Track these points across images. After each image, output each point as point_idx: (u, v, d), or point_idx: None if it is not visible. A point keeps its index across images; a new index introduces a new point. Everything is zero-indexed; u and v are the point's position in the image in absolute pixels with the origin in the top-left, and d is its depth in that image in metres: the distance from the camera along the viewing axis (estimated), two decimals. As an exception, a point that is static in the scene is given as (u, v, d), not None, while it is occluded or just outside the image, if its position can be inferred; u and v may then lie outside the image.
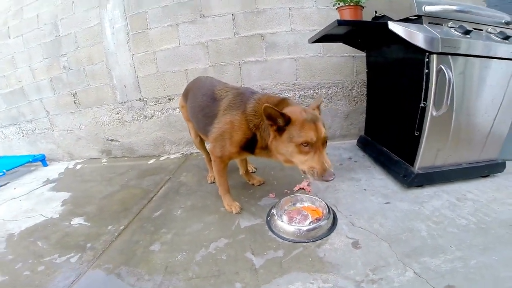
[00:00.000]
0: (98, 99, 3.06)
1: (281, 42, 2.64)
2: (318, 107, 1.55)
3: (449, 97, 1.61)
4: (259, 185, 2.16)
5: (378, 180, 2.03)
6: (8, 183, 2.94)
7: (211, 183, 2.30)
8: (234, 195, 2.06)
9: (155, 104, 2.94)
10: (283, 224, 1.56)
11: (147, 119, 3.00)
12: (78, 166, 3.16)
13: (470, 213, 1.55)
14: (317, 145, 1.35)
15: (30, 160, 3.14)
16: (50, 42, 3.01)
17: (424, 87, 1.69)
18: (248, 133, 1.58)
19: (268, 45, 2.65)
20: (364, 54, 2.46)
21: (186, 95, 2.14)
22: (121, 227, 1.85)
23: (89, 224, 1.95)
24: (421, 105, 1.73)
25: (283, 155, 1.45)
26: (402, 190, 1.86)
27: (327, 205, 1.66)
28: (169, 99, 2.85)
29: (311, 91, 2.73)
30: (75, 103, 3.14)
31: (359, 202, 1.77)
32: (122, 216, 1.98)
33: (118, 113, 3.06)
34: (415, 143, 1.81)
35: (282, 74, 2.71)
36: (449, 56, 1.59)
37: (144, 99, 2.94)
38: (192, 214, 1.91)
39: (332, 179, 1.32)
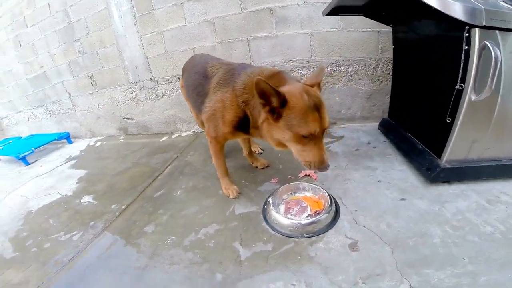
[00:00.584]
0: (113, 80, 3.05)
1: (292, 16, 2.34)
2: (319, 85, 1.28)
3: (495, 79, 1.27)
4: (263, 168, 1.99)
5: (398, 172, 1.73)
6: (36, 160, 3.10)
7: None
8: (235, 177, 1.94)
9: (166, 84, 2.85)
10: (277, 216, 1.40)
11: (158, 98, 2.93)
12: (98, 143, 3.24)
13: (499, 219, 1.24)
14: (318, 135, 1.16)
15: (56, 138, 3.27)
16: (63, 28, 3.02)
17: (461, 66, 1.36)
18: (240, 111, 1.40)
19: (278, 19, 2.37)
20: (390, 29, 2.10)
21: (183, 74, 2.01)
22: (123, 206, 1.84)
23: (96, 202, 1.98)
24: (457, 87, 1.40)
25: (276, 140, 1.26)
26: (423, 186, 1.56)
27: (330, 197, 1.46)
28: (179, 78, 2.72)
29: (328, 69, 2.42)
30: (92, 84, 3.17)
31: (370, 196, 1.53)
32: (127, 194, 1.99)
33: (131, 93, 3.03)
34: (445, 131, 1.49)
35: (294, 50, 2.43)
36: (497, 31, 1.24)
37: (155, 78, 2.85)
38: (191, 195, 1.83)
39: (327, 171, 1.23)
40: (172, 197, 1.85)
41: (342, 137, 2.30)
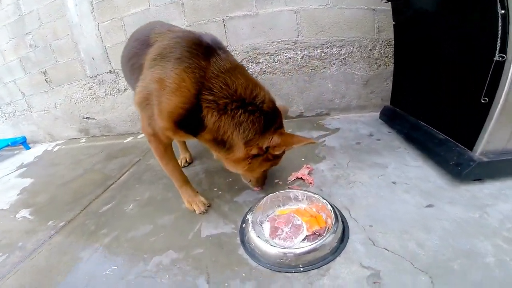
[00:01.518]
0: (68, 75, 2.50)
1: (275, -9, 1.88)
2: None
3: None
4: (242, 171, 1.51)
5: (414, 168, 1.27)
6: (-16, 168, 2.51)
7: (182, 167, 1.66)
8: (204, 185, 1.44)
9: (129, 76, 2.32)
10: (260, 241, 0.91)
11: (120, 92, 2.40)
12: (56, 148, 2.65)
13: None
14: None
15: (9, 143, 2.69)
16: (14, 21, 2.49)
17: (500, 34, 0.95)
18: (190, 101, 0.91)
19: (259, -5, 1.90)
20: (387, 6, 1.68)
21: None
22: (61, 224, 1.37)
23: (32, 217, 1.52)
24: (496, 58, 0.97)
25: (252, 170, 1.11)
26: (450, 186, 1.12)
27: (333, 209, 0.98)
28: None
29: (318, 51, 1.96)
30: (46, 81, 2.61)
31: (387, 204, 1.06)
32: (70, 208, 1.50)
33: (90, 89, 2.48)
34: (480, 115, 1.06)
35: (278, 30, 1.96)
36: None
37: (115, 70, 2.32)
38: (145, 210, 1.32)
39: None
40: (121, 213, 1.34)
41: (337, 129, 1.84)
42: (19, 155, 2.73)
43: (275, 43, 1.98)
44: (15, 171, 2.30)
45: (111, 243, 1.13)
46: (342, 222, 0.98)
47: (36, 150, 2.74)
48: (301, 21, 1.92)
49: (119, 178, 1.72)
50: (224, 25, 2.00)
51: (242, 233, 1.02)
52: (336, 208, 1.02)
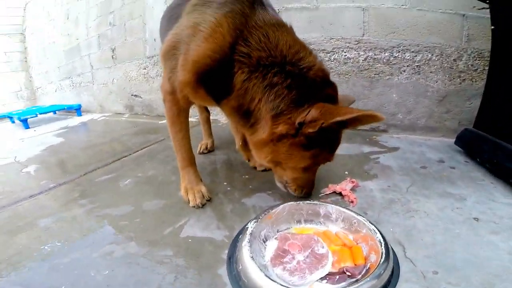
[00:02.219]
0: (131, 54, 2.55)
1: (341, -14, 1.58)
2: None
3: None
4: (264, 170, 1.13)
5: (505, 206, 0.80)
6: (39, 126, 2.64)
7: (200, 153, 1.39)
8: (216, 176, 1.14)
9: (179, 59, 2.24)
10: (250, 265, 0.54)
11: (168, 75, 2.33)
12: (101, 118, 2.69)
13: None
14: None
15: (65, 107, 2.85)
16: (104, 1, 2.69)
17: None
18: (221, 51, 0.69)
19: (321, -12, 1.62)
20: (481, 13, 1.24)
21: None
22: (52, 185, 1.19)
23: (34, 174, 1.38)
24: None
25: (278, 161, 0.77)
26: None
27: (386, 242, 0.58)
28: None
29: (386, 54, 1.56)
30: (112, 58, 2.72)
31: (462, 245, 0.65)
32: (72, 171, 1.34)
33: (145, 68, 2.47)
34: None
35: (339, 26, 1.63)
36: None
37: (170, 52, 2.28)
38: (138, 189, 1.07)
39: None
40: (114, 186, 1.11)
41: (396, 148, 1.36)
42: (69, 119, 2.84)
43: (334, 40, 1.64)
44: (56, 131, 2.35)
45: (79, 216, 0.90)
46: (395, 260, 0.57)
47: (85, 118, 2.82)
48: (369, 19, 1.55)
49: (135, 152, 1.53)
50: (279, 14, 1.76)
51: (234, 246, 0.65)
52: (386, 240, 0.60)
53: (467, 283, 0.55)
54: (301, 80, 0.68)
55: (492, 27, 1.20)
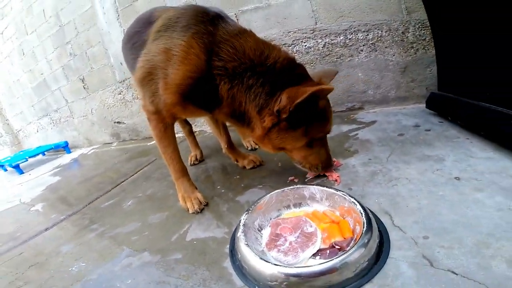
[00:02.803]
0: (102, 81, 2.59)
1: (284, -21, 1.68)
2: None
3: None
4: (253, 168, 1.24)
5: (484, 161, 0.87)
6: (32, 169, 2.68)
7: (191, 165, 1.48)
8: (208, 182, 1.23)
9: (153, 78, 2.28)
10: (247, 252, 0.63)
11: (144, 96, 2.38)
12: (91, 152, 2.72)
13: None
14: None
15: (53, 147, 2.87)
16: (56, 32, 2.69)
17: None
18: (199, 69, 0.79)
19: (268, -14, 1.72)
20: None
21: None
22: (62, 217, 1.30)
23: (42, 210, 1.51)
24: None
25: (280, 147, 0.88)
26: None
27: (365, 212, 0.67)
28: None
29: (341, 37, 1.67)
30: (84, 88, 2.74)
31: (449, 206, 0.70)
32: (76, 203, 1.44)
33: (120, 93, 2.52)
34: None
35: (293, 19, 1.73)
36: None
37: (141, 73, 2.32)
38: (141, 207, 1.16)
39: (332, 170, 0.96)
40: (118, 209, 1.20)
41: (374, 122, 1.47)
42: (60, 158, 2.87)
43: (292, 32, 1.74)
44: (51, 171, 2.39)
45: (93, 238, 0.99)
46: (379, 231, 0.66)
47: (74, 154, 2.86)
48: (317, 7, 1.65)
49: (131, 176, 1.60)
50: (237, 19, 1.84)
51: (233, 239, 0.75)
52: (370, 211, 0.70)
53: (460, 245, 0.57)
54: (270, 75, 0.78)
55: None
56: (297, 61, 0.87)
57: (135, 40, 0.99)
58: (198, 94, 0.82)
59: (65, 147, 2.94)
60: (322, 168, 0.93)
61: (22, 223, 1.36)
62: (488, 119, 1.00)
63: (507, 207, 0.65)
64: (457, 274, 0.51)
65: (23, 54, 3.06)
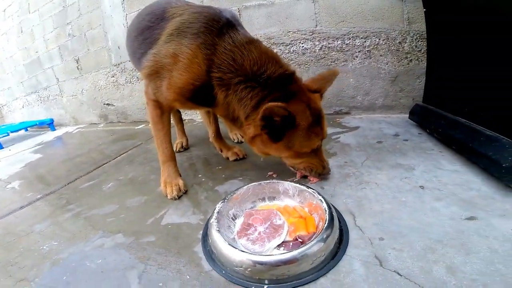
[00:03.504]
0: (97, 63, 2.55)
1: (292, -21, 1.70)
2: (322, 93, 0.96)
3: None
4: (236, 160, 1.26)
5: (450, 173, 0.93)
6: (13, 144, 2.60)
7: (176, 152, 1.47)
8: (190, 170, 1.24)
9: (148, 64, 2.27)
10: (218, 238, 0.65)
11: (139, 81, 2.35)
12: (76, 131, 2.68)
13: None
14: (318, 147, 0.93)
15: (37, 123, 2.80)
16: (58, 12, 2.64)
17: None
18: (201, 79, 0.87)
19: (274, -16, 1.74)
20: None
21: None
22: (39, 196, 1.26)
23: (19, 188, 1.45)
24: None
25: (268, 153, 0.94)
26: (502, 195, 0.77)
27: (329, 209, 0.70)
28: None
29: (339, 42, 1.71)
30: (78, 68, 2.70)
31: (408, 212, 0.75)
32: (55, 182, 1.40)
33: (113, 76, 2.49)
34: None
35: (294, 19, 1.75)
36: None
37: (136, 57, 2.30)
38: (120, 190, 1.16)
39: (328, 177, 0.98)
40: (97, 190, 1.19)
41: (357, 127, 1.52)
42: (43, 135, 2.81)
43: (291, 32, 1.76)
44: (32, 148, 2.33)
45: (69, 219, 0.98)
46: (340, 229, 0.69)
47: (59, 132, 2.80)
48: (320, 10, 1.68)
49: (114, 158, 1.59)
50: (240, 14, 1.85)
51: (206, 226, 0.77)
52: (335, 209, 0.73)
53: (410, 248, 0.62)
54: (261, 89, 0.84)
55: (424, 9, 1.37)
56: (295, 74, 0.90)
57: (146, 36, 1.00)
58: (197, 96, 0.90)
59: (49, 124, 2.87)
60: (319, 175, 0.95)
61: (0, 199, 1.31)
62: (460, 133, 1.05)
63: (459, 217, 0.70)
64: (401, 275, 0.55)
65: (21, 32, 2.99)
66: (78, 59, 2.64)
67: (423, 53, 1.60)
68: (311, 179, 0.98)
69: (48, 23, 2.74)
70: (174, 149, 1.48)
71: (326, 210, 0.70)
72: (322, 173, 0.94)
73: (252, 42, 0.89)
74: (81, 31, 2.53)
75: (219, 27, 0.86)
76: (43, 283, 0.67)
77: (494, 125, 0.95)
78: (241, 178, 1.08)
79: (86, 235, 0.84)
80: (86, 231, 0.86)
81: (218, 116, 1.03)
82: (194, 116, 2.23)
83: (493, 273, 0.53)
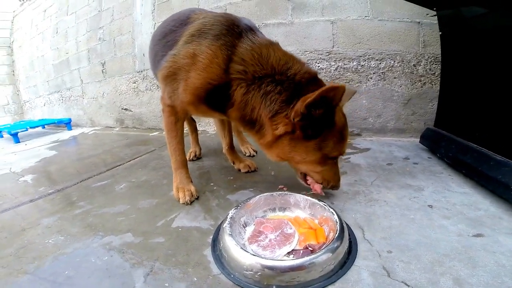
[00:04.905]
0: (121, 68, 2.69)
1: (312, 2, 1.79)
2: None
3: None
4: (247, 172, 1.28)
5: (458, 194, 0.94)
6: (30, 140, 2.71)
7: (189, 160, 1.52)
8: (203, 179, 1.26)
9: (168, 73, 2.38)
10: (229, 242, 0.66)
11: (158, 89, 2.46)
12: (92, 132, 2.78)
13: None
14: None
15: (55, 122, 2.93)
16: (93, 16, 2.85)
17: None
18: (219, 78, 0.85)
19: (295, 5, 1.84)
20: (434, 20, 1.45)
21: None
22: (50, 191, 1.28)
23: (31, 182, 1.48)
24: None
25: (288, 157, 0.88)
26: (510, 215, 0.80)
27: (341, 222, 0.71)
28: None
29: (354, 63, 1.76)
30: (102, 72, 2.85)
31: (416, 228, 0.76)
32: (68, 179, 1.43)
33: (134, 82, 2.61)
34: None
35: (312, 39, 1.83)
36: None
37: (158, 66, 2.43)
38: (133, 191, 1.18)
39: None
40: (110, 190, 1.22)
41: (367, 149, 1.53)
42: (59, 133, 2.92)
43: (308, 52, 1.84)
44: (48, 144, 2.43)
45: (78, 215, 1.00)
46: (350, 241, 0.70)
47: (75, 132, 2.91)
48: (337, 31, 1.76)
49: (127, 162, 1.63)
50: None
51: (217, 231, 0.78)
52: (345, 222, 0.74)
53: (418, 261, 0.63)
54: (289, 84, 0.81)
55: (440, 32, 1.41)
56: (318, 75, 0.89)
57: (168, 39, 1.04)
58: (213, 97, 0.88)
59: (67, 124, 3.00)
60: (331, 187, 0.92)
61: (7, 191, 1.32)
62: (470, 158, 1.06)
63: (467, 234, 0.72)
64: (408, 286, 0.56)
65: (57, 32, 3.22)
66: (104, 62, 2.80)
67: (436, 76, 1.64)
68: (316, 188, 0.94)
69: (82, 26, 2.94)
70: (187, 157, 1.53)
71: (337, 222, 0.71)
72: (338, 185, 0.92)
73: (274, 44, 0.89)
74: (111, 36, 2.71)
75: (240, 31, 0.87)
76: (43, 276, 0.67)
77: (503, 149, 0.96)
78: (252, 189, 1.09)
79: (94, 232, 0.86)
80: (94, 228, 0.88)
81: (233, 121, 0.97)
82: (208, 128, 2.29)
83: (500, 286, 0.54)
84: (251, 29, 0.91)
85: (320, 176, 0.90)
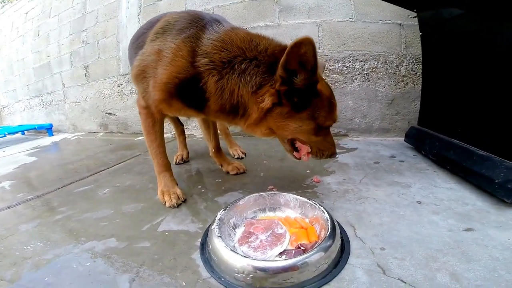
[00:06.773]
0: (105, 71, 2.61)
1: (298, 5, 1.83)
2: None
3: None
4: (236, 174, 1.26)
5: (445, 190, 0.97)
6: (8, 146, 2.56)
7: (176, 163, 1.48)
8: (190, 182, 1.23)
9: (154, 76, 2.34)
10: (219, 244, 0.64)
11: (143, 92, 2.41)
12: (74, 138, 2.66)
13: None
14: None
15: (36, 127, 2.79)
16: (77, 19, 2.76)
17: None
18: (187, 71, 0.81)
19: (282, 8, 1.87)
20: (415, 21, 1.49)
21: None
22: (30, 196, 1.22)
23: (9, 188, 1.39)
24: None
25: (278, 131, 0.83)
26: (497, 209, 0.82)
27: (332, 220, 0.70)
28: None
29: (339, 64, 1.79)
30: (85, 75, 2.75)
31: (407, 224, 0.77)
32: (48, 185, 1.35)
33: (119, 86, 2.54)
34: None
35: (299, 41, 1.86)
36: None
37: (143, 69, 2.37)
38: (116, 196, 1.13)
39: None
40: (92, 195, 1.16)
41: (354, 149, 1.55)
42: (40, 140, 2.78)
43: (295, 54, 1.85)
44: (27, 150, 2.30)
45: (59, 220, 0.94)
46: (342, 239, 0.69)
47: (57, 138, 2.78)
48: (323, 33, 1.79)
49: (111, 166, 1.57)
50: (247, 34, 1.95)
51: (206, 233, 0.76)
52: (336, 220, 0.73)
53: (412, 257, 0.63)
54: (264, 57, 0.77)
55: (421, 33, 1.46)
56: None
57: (140, 40, 1.04)
58: (184, 92, 0.84)
59: (48, 129, 2.86)
60: (328, 156, 0.89)
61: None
62: (454, 154, 1.09)
63: (457, 228, 0.73)
64: (405, 283, 0.55)
65: (38, 35, 3.09)
66: (88, 66, 2.71)
67: (418, 76, 1.69)
68: (304, 157, 0.91)
69: (65, 29, 2.84)
70: (174, 161, 1.50)
71: (328, 220, 0.70)
72: (333, 153, 0.89)
73: (238, 28, 0.87)
74: (95, 39, 2.63)
75: (204, 24, 0.86)
76: (21, 283, 0.63)
77: (485, 144, 0.99)
78: (241, 191, 1.07)
79: (76, 237, 0.81)
80: (76, 234, 0.83)
81: (213, 118, 0.92)
82: (195, 131, 2.25)
83: (497, 279, 0.54)
84: (216, 21, 0.89)
85: (315, 148, 0.87)
